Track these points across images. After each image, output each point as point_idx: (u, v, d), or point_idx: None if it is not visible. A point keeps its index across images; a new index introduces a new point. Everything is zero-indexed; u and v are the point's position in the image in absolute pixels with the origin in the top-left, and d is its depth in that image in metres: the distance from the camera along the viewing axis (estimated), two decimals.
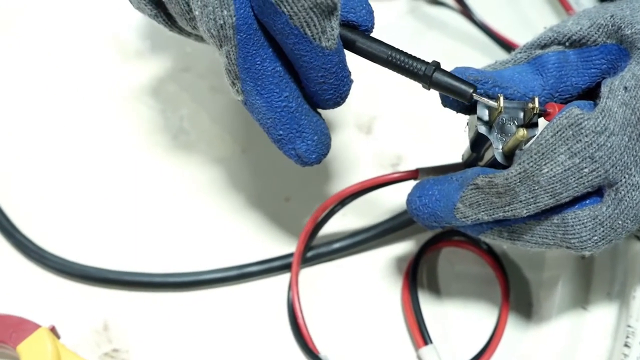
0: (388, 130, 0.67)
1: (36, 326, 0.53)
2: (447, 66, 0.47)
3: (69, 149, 0.65)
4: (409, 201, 0.51)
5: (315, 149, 0.49)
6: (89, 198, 0.63)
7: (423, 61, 0.47)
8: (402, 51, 0.47)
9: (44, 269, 0.60)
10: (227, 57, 0.46)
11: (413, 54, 0.47)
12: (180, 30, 0.51)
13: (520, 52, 0.49)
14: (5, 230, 0.61)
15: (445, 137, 0.63)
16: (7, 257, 0.60)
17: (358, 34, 0.48)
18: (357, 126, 0.67)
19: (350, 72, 0.48)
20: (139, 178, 0.64)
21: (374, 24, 0.49)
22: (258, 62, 0.46)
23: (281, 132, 0.48)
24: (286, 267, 0.59)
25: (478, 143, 0.49)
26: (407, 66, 0.47)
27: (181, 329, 0.57)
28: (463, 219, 0.48)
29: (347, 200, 0.57)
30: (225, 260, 0.59)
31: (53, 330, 0.54)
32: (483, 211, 0.47)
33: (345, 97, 0.49)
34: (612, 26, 0.47)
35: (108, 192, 0.63)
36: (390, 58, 0.47)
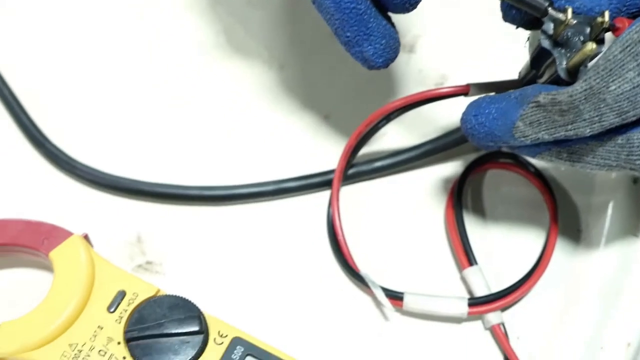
0: (432, 50, 0.64)
1: (69, 233, 0.51)
2: None
3: (101, 60, 0.63)
4: (463, 120, 0.49)
5: (382, 53, 0.48)
6: (122, 109, 0.61)
7: None
8: None
9: (75, 179, 0.58)
10: None
11: None
12: None
13: None
14: (35, 140, 0.59)
15: (491, 58, 0.61)
16: (38, 167, 0.59)
17: None
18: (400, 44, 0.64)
19: None
20: (174, 92, 0.62)
21: None
22: None
23: (349, 34, 0.47)
24: (326, 184, 0.57)
25: (539, 59, 0.46)
26: None
27: (216, 243, 0.56)
28: (522, 138, 0.46)
29: (393, 116, 0.55)
30: (263, 175, 0.58)
31: (86, 238, 0.52)
32: (544, 130, 0.45)
33: (415, 2, 0.47)
34: None
35: (142, 105, 0.62)
36: None
